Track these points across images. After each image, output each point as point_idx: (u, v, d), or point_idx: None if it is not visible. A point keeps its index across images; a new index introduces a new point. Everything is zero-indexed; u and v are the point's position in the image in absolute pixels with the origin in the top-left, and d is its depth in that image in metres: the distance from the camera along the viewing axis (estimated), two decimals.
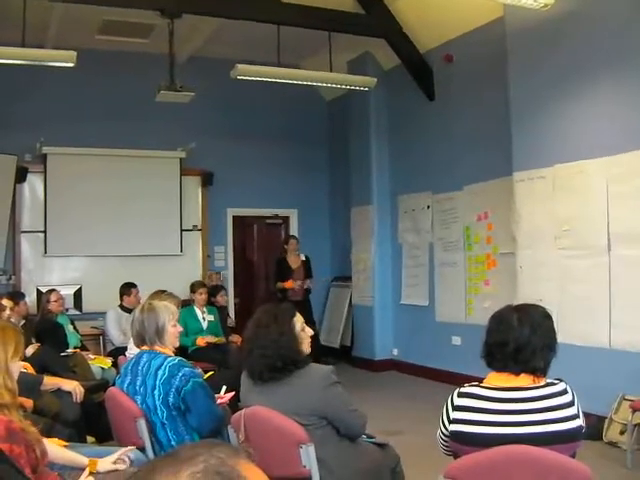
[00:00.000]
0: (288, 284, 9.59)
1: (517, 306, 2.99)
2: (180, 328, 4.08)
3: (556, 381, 2.80)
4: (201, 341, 7.68)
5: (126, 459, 3.25)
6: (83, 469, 3.15)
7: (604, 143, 6.16)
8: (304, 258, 9.96)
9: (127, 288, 8.29)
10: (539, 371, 2.81)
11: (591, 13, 6.26)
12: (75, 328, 7.98)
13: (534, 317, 2.89)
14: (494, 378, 2.84)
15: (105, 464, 3.20)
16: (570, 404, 2.72)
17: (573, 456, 2.70)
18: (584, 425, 2.75)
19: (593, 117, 6.32)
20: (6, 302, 6.68)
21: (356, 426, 3.46)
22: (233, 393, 4.01)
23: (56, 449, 3.23)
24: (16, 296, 7.27)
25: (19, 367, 2.99)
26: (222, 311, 8.68)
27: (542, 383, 2.77)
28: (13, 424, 2.62)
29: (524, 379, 2.78)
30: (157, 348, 3.85)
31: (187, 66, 9.31)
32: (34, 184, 9.77)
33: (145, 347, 3.86)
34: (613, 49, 6.08)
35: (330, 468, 3.24)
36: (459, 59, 8.72)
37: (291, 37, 8.22)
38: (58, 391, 4.98)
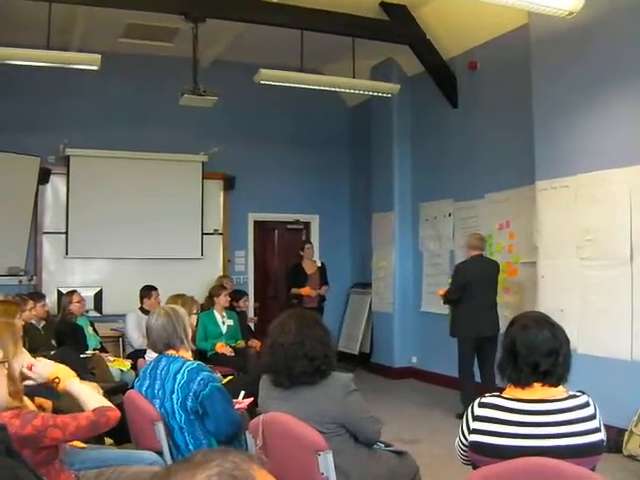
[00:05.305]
0: (305, 291, 9.57)
1: (539, 318, 2.92)
2: None
3: (578, 393, 2.75)
4: (220, 348, 7.68)
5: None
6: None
7: (628, 153, 6.10)
8: (320, 264, 9.94)
9: (147, 291, 8.30)
10: (564, 380, 2.78)
11: (617, 22, 6.20)
12: (95, 330, 8.01)
13: (560, 327, 2.85)
14: (515, 389, 2.81)
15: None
16: (592, 417, 2.68)
17: (593, 469, 2.67)
18: (605, 439, 2.72)
19: (617, 126, 6.26)
20: (32, 304, 6.75)
21: (372, 433, 3.46)
22: (252, 399, 4.01)
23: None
24: (36, 297, 7.31)
25: (22, 360, 2.96)
26: (242, 316, 8.67)
27: (564, 395, 2.73)
28: (22, 410, 2.62)
29: (546, 390, 2.74)
30: (182, 351, 3.88)
31: (211, 70, 9.35)
32: (57, 185, 9.84)
33: (172, 352, 3.87)
34: (638, 58, 6.02)
35: (347, 476, 3.23)
36: (483, 66, 8.69)
37: (314, 42, 8.24)
38: None
